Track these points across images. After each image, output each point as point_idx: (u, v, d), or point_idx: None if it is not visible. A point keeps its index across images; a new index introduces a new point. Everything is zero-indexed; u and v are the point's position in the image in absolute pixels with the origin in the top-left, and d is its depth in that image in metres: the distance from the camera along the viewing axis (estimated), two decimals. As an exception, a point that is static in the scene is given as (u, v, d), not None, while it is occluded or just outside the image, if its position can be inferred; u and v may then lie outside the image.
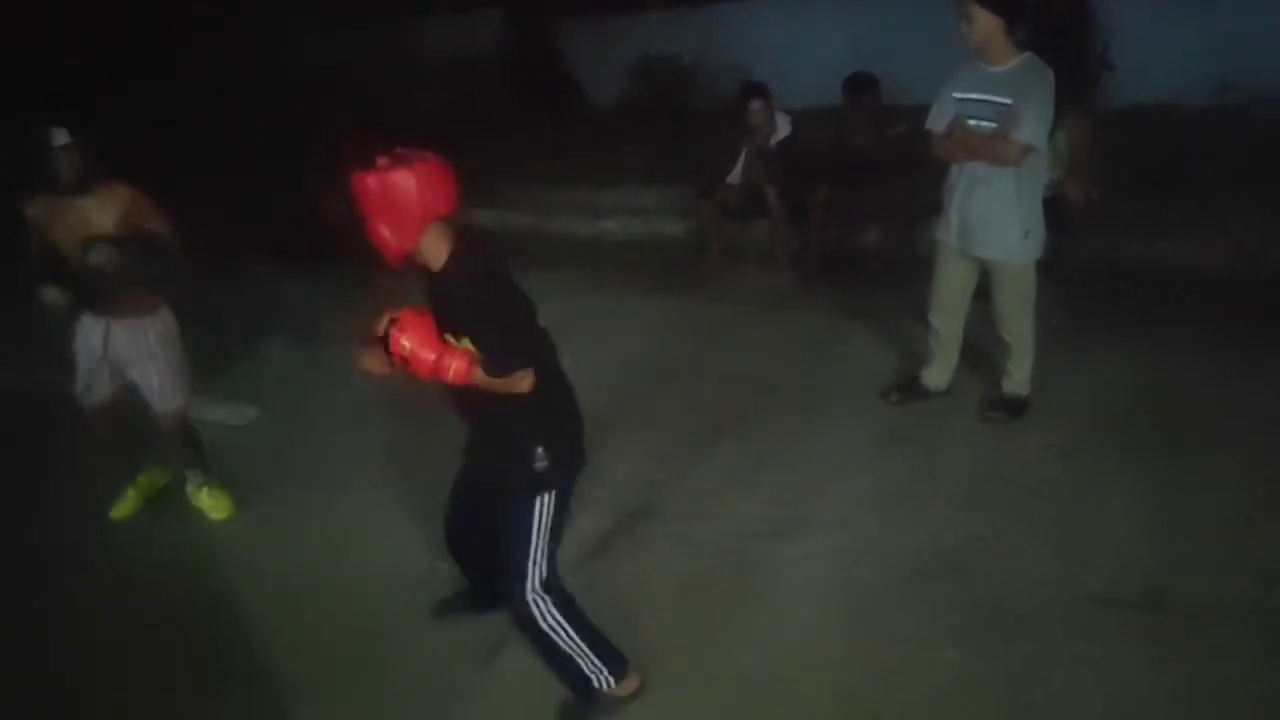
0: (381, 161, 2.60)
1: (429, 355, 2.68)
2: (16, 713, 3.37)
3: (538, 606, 2.90)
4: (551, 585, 2.94)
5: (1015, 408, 4.46)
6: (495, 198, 8.95)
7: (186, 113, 11.27)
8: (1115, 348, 4.90)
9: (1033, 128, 3.94)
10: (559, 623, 2.93)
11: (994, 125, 4.00)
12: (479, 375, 2.67)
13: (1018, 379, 4.46)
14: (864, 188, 6.25)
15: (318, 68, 12.04)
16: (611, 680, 3.02)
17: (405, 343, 2.69)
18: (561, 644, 2.94)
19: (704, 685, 3.15)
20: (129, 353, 4.12)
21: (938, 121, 4.22)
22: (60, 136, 3.82)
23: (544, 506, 2.88)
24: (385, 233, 2.63)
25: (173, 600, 3.88)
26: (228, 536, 4.28)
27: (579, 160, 9.15)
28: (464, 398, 2.85)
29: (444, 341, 2.71)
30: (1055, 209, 4.61)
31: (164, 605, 3.84)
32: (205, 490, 4.45)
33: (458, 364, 2.67)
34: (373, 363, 2.86)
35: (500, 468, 2.92)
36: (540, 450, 2.82)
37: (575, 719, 3.08)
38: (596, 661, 2.99)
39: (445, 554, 3.46)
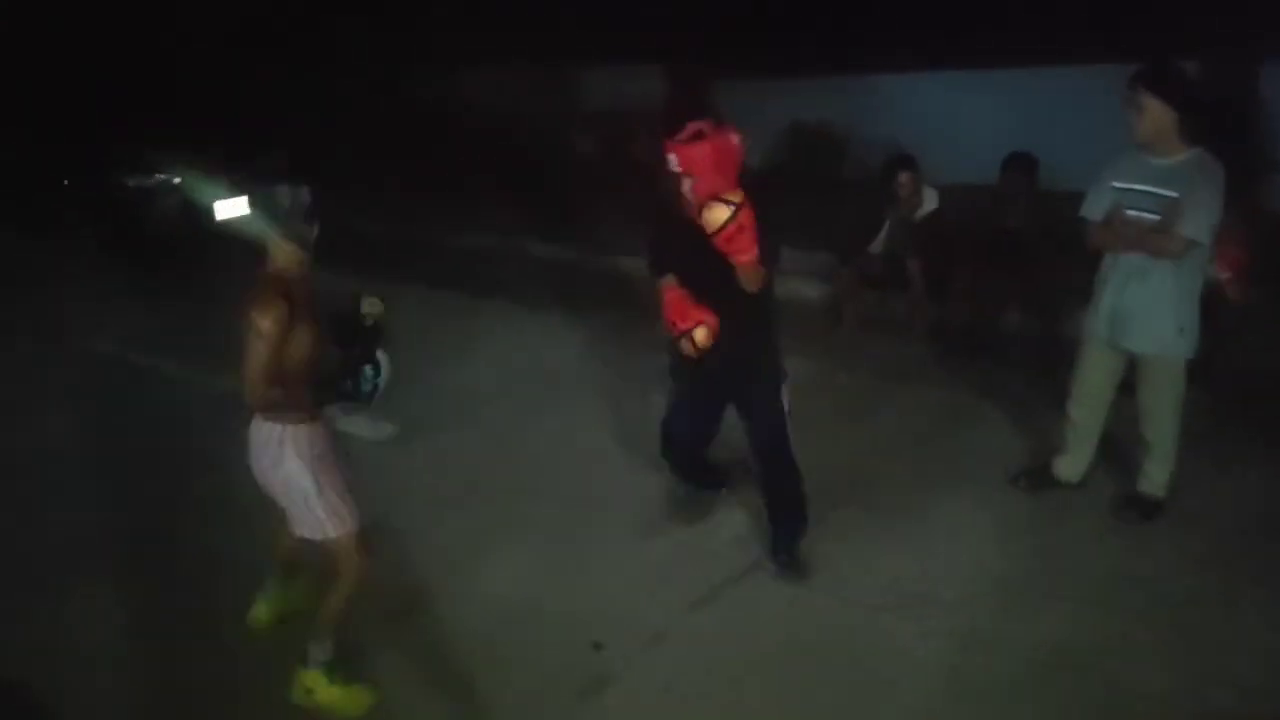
0: (705, 129, 3.41)
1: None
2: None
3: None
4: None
5: (1148, 509, 4.30)
6: (631, 246, 9.13)
7: (346, 146, 11.97)
8: (1262, 457, 4.69)
9: (1199, 224, 3.82)
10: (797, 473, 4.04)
11: (1156, 218, 3.90)
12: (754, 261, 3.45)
13: (1156, 480, 4.30)
14: (1012, 269, 6.16)
15: (476, 106, 12.54)
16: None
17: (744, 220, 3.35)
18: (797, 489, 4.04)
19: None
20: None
21: (1094, 210, 4.13)
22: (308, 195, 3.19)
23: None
24: (706, 186, 3.37)
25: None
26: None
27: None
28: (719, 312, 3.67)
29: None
30: (1211, 309, 4.46)
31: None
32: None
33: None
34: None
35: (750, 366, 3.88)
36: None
37: (795, 557, 4.07)
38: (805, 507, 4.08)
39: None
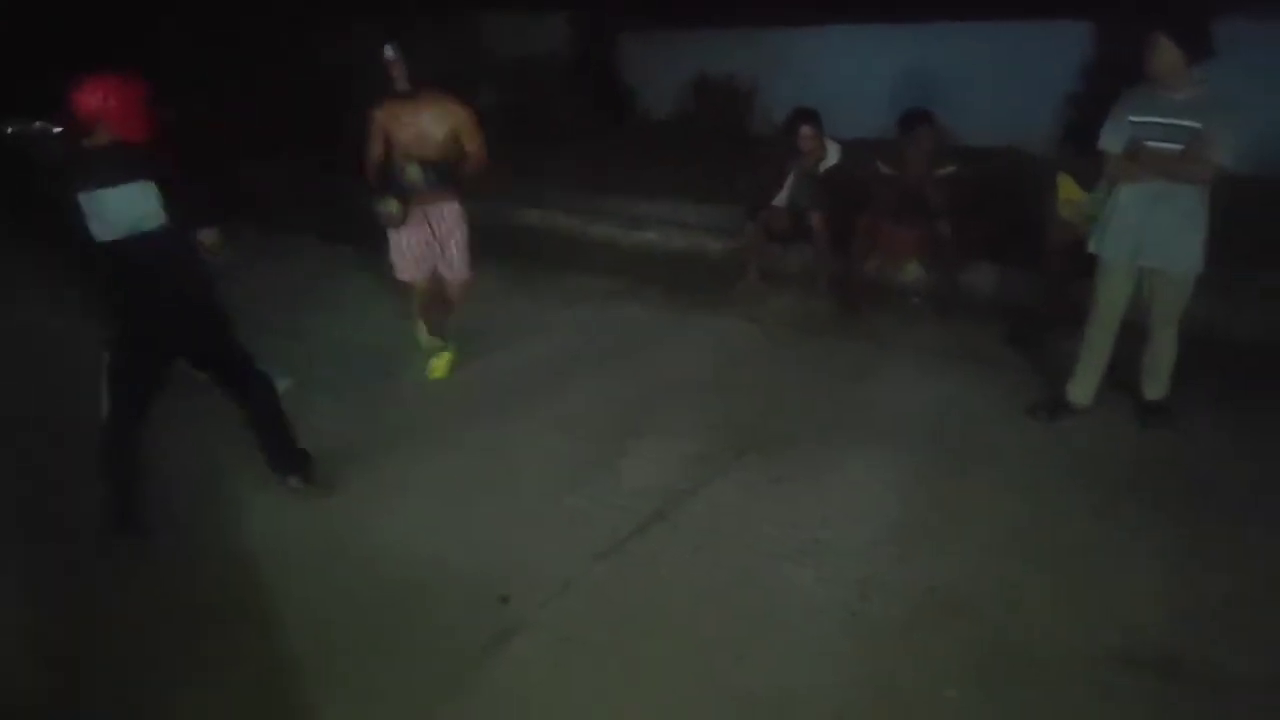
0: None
1: None
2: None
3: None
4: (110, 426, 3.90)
5: (1165, 412, 4.65)
6: (541, 198, 9.04)
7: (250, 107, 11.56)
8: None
9: (1229, 149, 4.11)
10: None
11: (1178, 147, 4.17)
12: None
13: (1165, 383, 4.63)
14: (911, 223, 6.25)
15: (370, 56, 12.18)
16: None
17: None
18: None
19: (705, 704, 3.11)
20: (442, 231, 5.26)
21: (1112, 143, 4.38)
22: (390, 51, 4.81)
23: (104, 363, 3.87)
24: None
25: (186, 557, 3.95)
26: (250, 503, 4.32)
27: (627, 169, 9.20)
28: None
29: None
30: None
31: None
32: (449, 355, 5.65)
33: None
34: None
35: None
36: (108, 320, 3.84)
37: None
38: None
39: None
